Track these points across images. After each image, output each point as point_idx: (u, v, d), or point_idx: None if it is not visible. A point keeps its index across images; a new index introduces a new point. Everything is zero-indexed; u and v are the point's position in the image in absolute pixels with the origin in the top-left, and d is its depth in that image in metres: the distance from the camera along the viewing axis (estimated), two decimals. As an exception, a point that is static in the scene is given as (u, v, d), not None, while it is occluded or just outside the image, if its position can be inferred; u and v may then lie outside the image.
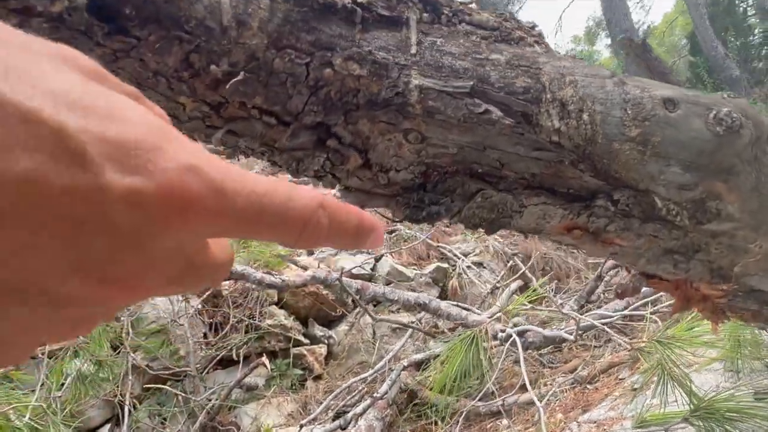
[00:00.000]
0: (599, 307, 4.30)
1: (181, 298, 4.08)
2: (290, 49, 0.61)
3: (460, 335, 2.07)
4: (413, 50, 0.62)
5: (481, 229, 0.71)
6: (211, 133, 0.66)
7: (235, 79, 0.58)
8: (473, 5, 0.68)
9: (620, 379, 2.36)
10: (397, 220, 0.66)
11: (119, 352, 3.58)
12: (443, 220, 0.68)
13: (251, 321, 4.02)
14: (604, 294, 4.66)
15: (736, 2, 21.95)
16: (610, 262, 3.40)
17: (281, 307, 4.29)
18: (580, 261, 5.45)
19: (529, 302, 2.18)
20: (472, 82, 0.60)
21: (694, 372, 1.86)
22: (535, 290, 2.13)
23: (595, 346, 3.07)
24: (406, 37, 0.63)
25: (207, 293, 4.12)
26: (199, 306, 4.09)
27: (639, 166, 0.63)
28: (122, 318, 3.74)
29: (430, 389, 2.84)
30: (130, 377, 3.49)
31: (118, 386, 3.38)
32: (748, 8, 22.46)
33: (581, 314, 3.84)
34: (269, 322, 4.09)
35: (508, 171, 0.65)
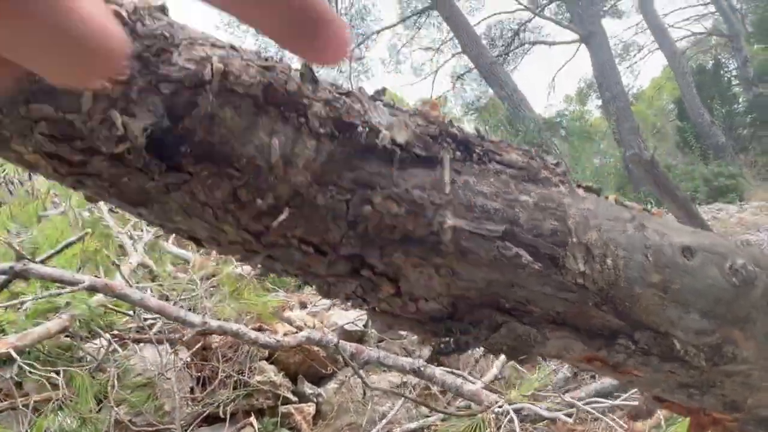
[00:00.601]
0: (593, 376, 4.27)
1: (170, 350, 4.01)
2: (332, 185, 0.64)
3: (460, 415, 2.04)
4: (447, 189, 0.66)
5: (503, 354, 0.73)
6: (250, 256, 0.69)
7: (280, 218, 0.61)
8: (503, 143, 0.73)
9: (617, 461, 2.33)
10: (420, 343, 0.68)
11: (102, 407, 3.48)
12: (470, 349, 0.70)
13: (240, 377, 3.94)
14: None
15: (721, 72, 22.83)
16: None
17: (271, 362, 4.21)
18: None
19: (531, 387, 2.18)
20: (504, 227, 0.64)
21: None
22: (535, 386, 2.12)
23: (590, 420, 3.03)
24: (440, 176, 0.67)
25: (197, 346, 4.06)
26: (188, 359, 4.01)
27: (659, 310, 0.66)
28: (108, 369, 3.66)
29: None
30: (113, 433, 3.39)
31: (99, 443, 3.27)
32: (732, 78, 23.35)
33: (576, 384, 3.81)
34: (258, 378, 4.01)
35: (533, 307, 0.68)
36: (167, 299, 4.42)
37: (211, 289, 4.85)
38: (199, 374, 4.03)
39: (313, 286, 0.72)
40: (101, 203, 4.70)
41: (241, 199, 0.63)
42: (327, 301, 5.26)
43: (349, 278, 0.69)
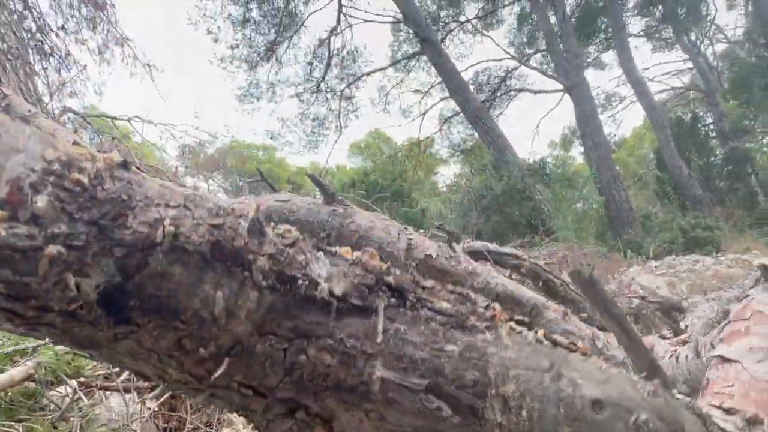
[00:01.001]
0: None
1: (137, 399, 3.95)
2: (271, 335, 0.70)
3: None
4: (379, 339, 0.72)
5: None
6: (194, 393, 0.74)
7: (219, 371, 0.66)
8: (437, 288, 0.79)
9: None
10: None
11: (64, 459, 3.39)
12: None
13: (208, 429, 3.88)
14: None
15: (699, 125, 23.58)
16: None
17: (240, 415, 4.14)
18: None
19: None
20: (428, 381, 0.69)
21: None
22: None
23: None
24: (374, 325, 0.73)
25: (165, 395, 3.99)
26: (156, 408, 3.94)
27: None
28: (72, 419, 3.58)
29: None
30: (71, 487, 3.29)
31: (56, 498, 3.17)
32: (710, 132, 24.12)
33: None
34: (227, 431, 3.95)
35: (455, 453, 0.73)
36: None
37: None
38: (166, 425, 3.95)
39: (252, 422, 0.76)
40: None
41: (185, 347, 0.68)
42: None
43: (285, 418, 0.73)
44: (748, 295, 1.91)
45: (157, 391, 2.90)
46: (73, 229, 0.62)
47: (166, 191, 0.71)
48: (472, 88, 21.15)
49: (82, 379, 3.85)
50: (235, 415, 4.01)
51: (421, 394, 0.70)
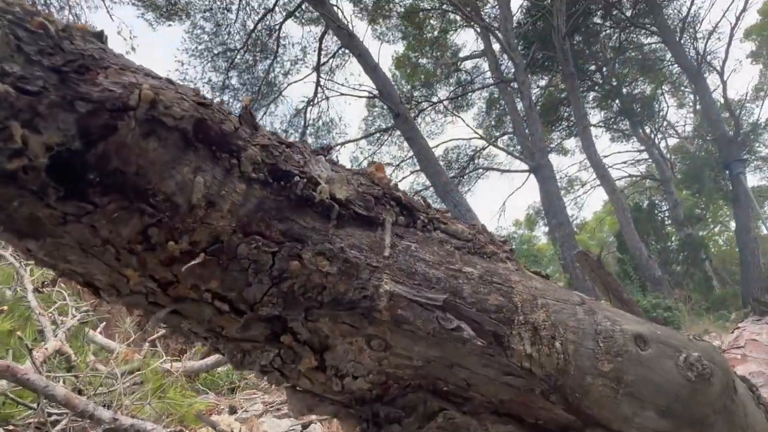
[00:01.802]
0: None
1: (70, 454, 3.52)
2: (258, 235, 0.57)
3: None
4: (387, 252, 0.60)
5: (438, 452, 0.63)
6: (153, 310, 0.59)
7: (194, 262, 0.53)
8: (449, 214, 0.68)
9: None
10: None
11: None
12: (398, 440, 0.60)
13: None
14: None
15: (656, 212, 24.67)
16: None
17: (187, 476, 3.73)
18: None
19: None
20: (445, 295, 0.58)
21: None
22: None
23: None
24: (380, 239, 0.61)
25: (103, 450, 3.57)
26: (90, 465, 3.51)
27: (612, 404, 0.60)
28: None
29: None
30: None
31: None
32: (666, 218, 25.22)
33: None
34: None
35: (474, 393, 0.60)
36: (80, 392, 3.97)
37: (134, 386, 4.41)
38: (100, 485, 3.50)
39: (225, 354, 0.62)
40: (26, 281, 4.31)
41: (151, 239, 0.55)
42: (260, 407, 4.86)
43: (267, 345, 0.59)
44: (738, 327, 1.87)
45: (94, 435, 2.56)
46: (29, 72, 0.51)
47: (147, 69, 0.61)
48: (442, 164, 21.77)
49: (11, 427, 3.44)
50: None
51: (438, 312, 0.58)
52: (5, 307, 3.98)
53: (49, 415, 3.75)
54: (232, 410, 4.94)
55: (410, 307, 0.58)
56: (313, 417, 4.74)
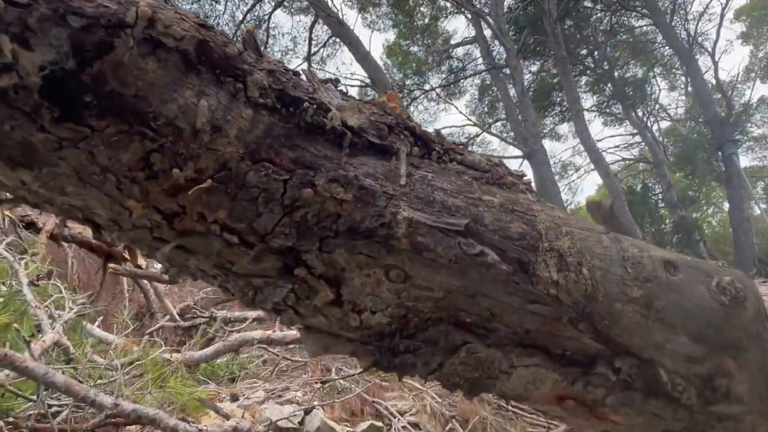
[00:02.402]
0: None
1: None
2: (268, 162, 0.54)
3: None
4: (403, 181, 0.57)
5: (460, 391, 0.60)
6: (157, 246, 0.56)
7: (201, 186, 0.50)
8: (462, 146, 0.65)
9: None
10: (362, 369, 0.55)
11: None
12: (417, 374, 0.58)
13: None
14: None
15: (649, 195, 24.79)
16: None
17: (190, 463, 3.71)
18: (519, 429, 5.17)
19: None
20: (467, 220, 0.55)
21: None
22: None
23: None
24: (395, 168, 0.58)
25: (105, 440, 3.54)
26: (93, 455, 3.48)
27: (643, 331, 0.57)
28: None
29: None
30: None
31: None
32: (659, 201, 25.36)
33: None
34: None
35: (499, 323, 0.57)
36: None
37: (133, 378, 4.39)
38: (105, 473, 3.48)
39: (235, 293, 0.59)
40: (21, 275, 4.27)
41: (153, 166, 0.52)
42: (261, 395, 4.85)
43: (280, 280, 0.56)
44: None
45: (96, 421, 2.53)
46: (17, -17, 0.47)
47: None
48: (436, 151, 21.69)
49: (11, 419, 3.40)
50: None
51: (459, 237, 0.55)
52: (0, 301, 3.94)
53: (50, 406, 3.72)
54: (234, 398, 4.93)
55: (430, 234, 0.55)
56: (315, 402, 4.74)
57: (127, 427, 3.60)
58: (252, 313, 4.92)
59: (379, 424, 4.85)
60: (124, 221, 0.54)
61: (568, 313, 0.56)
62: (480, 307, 0.56)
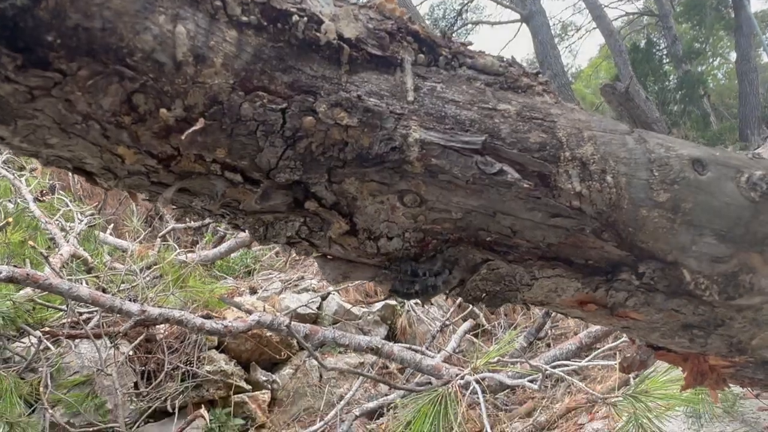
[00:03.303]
0: (548, 345, 4.31)
1: (109, 344, 3.74)
2: (262, 91, 0.49)
3: (426, 394, 1.94)
4: (411, 97, 0.52)
5: (482, 304, 0.60)
6: (157, 191, 0.53)
7: (193, 128, 0.46)
8: (472, 46, 0.59)
9: (580, 425, 2.30)
10: (384, 296, 0.55)
11: (35, 409, 3.18)
12: (440, 295, 0.58)
13: (188, 368, 3.72)
14: (551, 330, 4.69)
15: (653, 50, 23.80)
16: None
17: (222, 351, 4.01)
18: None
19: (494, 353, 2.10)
20: (483, 137, 0.51)
21: (654, 418, 1.80)
22: (494, 356, 2.05)
23: (550, 386, 3.02)
24: (401, 82, 0.53)
25: (139, 338, 3.79)
26: (130, 352, 3.75)
27: (668, 235, 0.56)
28: (40, 369, 3.35)
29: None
30: (48, 437, 3.10)
31: (32, 449, 2.98)
32: (664, 56, 24.43)
33: (533, 353, 3.81)
34: (208, 368, 3.80)
35: (520, 239, 0.56)
36: (105, 291, 4.12)
37: (154, 280, 4.57)
38: (144, 368, 3.77)
39: (247, 230, 0.57)
40: (24, 192, 4.26)
41: (138, 108, 0.47)
42: (278, 285, 5.08)
43: (291, 215, 0.54)
44: (757, 151, 1.82)
45: (127, 327, 2.68)
46: None
47: None
48: (429, 22, 20.55)
49: (46, 329, 3.60)
50: (216, 351, 3.87)
51: (476, 156, 0.51)
52: (10, 220, 3.98)
53: (80, 314, 3.92)
54: (253, 291, 5.18)
55: (445, 155, 0.51)
56: (331, 288, 4.97)
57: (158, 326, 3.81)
58: (259, 210, 4.95)
59: (393, 302, 5.12)
60: (118, 169, 0.51)
61: (591, 224, 0.55)
62: (500, 226, 0.54)
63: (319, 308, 4.68)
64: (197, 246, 5.57)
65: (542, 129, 0.54)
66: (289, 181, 0.51)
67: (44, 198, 4.92)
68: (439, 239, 0.55)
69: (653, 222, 0.55)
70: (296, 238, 0.56)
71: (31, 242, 4.04)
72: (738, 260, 0.58)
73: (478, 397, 2.07)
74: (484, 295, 0.59)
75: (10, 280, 2.51)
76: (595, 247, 0.56)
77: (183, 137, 0.45)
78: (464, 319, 4.38)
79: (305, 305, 4.47)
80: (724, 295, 0.60)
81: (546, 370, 1.87)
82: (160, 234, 5.61)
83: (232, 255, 5.77)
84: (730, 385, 0.87)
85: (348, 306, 4.76)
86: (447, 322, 4.53)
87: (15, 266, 2.76)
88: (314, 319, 4.59)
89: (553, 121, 0.55)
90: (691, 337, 0.65)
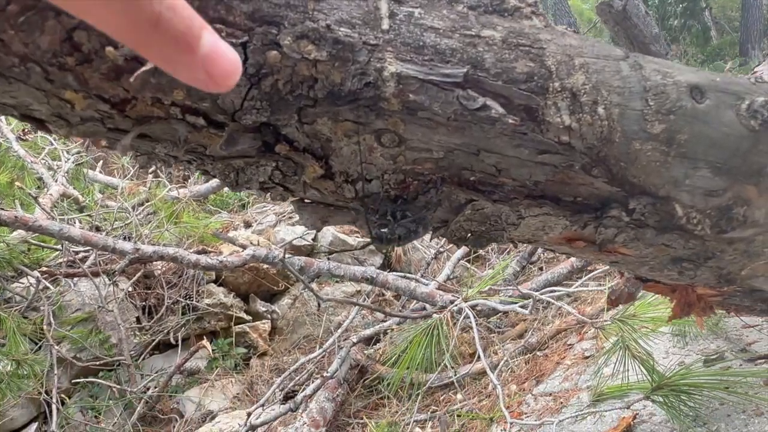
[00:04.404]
0: (540, 269, 4.39)
1: (108, 282, 3.78)
2: (219, 23, 0.44)
3: (416, 317, 1.99)
4: (385, 25, 0.48)
5: (467, 244, 0.58)
6: (116, 138, 0.49)
7: (144, 68, 0.41)
8: (455, -35, 0.53)
9: (569, 345, 2.38)
10: (367, 242, 0.53)
11: (41, 346, 3.27)
12: (422, 238, 0.55)
13: (188, 302, 3.79)
14: (543, 254, 4.77)
15: (655, -39, 22.67)
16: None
17: (220, 285, 4.07)
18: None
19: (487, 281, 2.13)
20: (464, 69, 0.46)
21: (640, 338, 1.85)
22: (488, 283, 2.07)
23: (541, 309, 3.10)
24: (374, 8, 0.48)
25: (137, 275, 3.83)
26: (130, 288, 3.80)
27: (661, 169, 0.53)
28: (42, 308, 3.41)
29: (382, 364, 2.78)
30: (56, 371, 3.21)
31: (42, 383, 3.09)
32: (666, -33, 23.30)
33: (525, 278, 3.89)
34: (207, 301, 3.87)
35: (505, 178, 0.53)
36: (98, 230, 4.11)
37: (148, 216, 4.55)
38: (144, 303, 3.84)
39: (217, 176, 0.54)
40: (5, 131, 4.13)
41: (81, 47, 0.43)
42: (273, 218, 5.09)
43: (262, 159, 0.51)
44: (755, 71, 1.76)
45: (123, 265, 2.70)
46: None
47: None
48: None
49: (44, 269, 3.63)
50: (214, 285, 3.92)
51: (458, 91, 0.47)
52: (-6, 160, 3.90)
53: (76, 252, 3.93)
54: (247, 225, 5.19)
55: (424, 90, 0.47)
56: (325, 219, 4.97)
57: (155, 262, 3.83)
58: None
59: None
60: (69, 115, 0.47)
61: (581, 159, 0.51)
62: (484, 164, 0.51)
63: (314, 239, 4.71)
64: (189, 181, 5.52)
65: (530, 57, 0.50)
66: (256, 123, 0.48)
67: (27, 137, 4.79)
68: (421, 180, 0.53)
69: (646, 156, 0.52)
70: (270, 184, 0.53)
71: (18, 183, 3.98)
72: (732, 193, 0.56)
73: (471, 322, 2.13)
74: (469, 235, 0.57)
75: (-1, 223, 2.49)
76: (585, 184, 0.54)
77: (132, 79, 0.41)
78: (458, 246, 4.42)
79: (300, 237, 4.50)
80: (716, 229, 0.58)
81: (536, 296, 1.91)
82: (150, 170, 5.54)
83: (225, 189, 5.72)
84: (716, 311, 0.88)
85: (343, 236, 4.80)
86: (441, 249, 4.59)
87: (1, 209, 2.72)
88: (310, 251, 4.63)
89: (542, 48, 0.51)
90: (681, 270, 0.64)
